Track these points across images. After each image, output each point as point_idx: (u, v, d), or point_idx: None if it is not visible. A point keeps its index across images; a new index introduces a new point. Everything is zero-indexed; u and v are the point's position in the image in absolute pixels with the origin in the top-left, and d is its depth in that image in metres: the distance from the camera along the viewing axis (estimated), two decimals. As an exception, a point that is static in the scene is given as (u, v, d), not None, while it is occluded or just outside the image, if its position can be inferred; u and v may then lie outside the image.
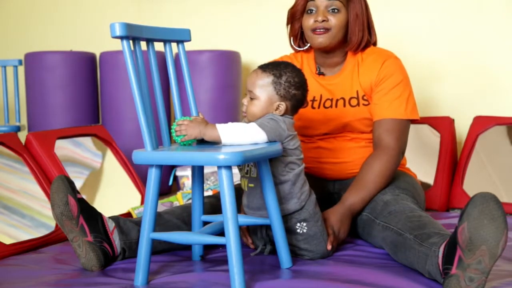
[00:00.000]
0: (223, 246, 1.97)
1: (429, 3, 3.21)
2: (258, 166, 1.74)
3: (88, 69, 3.44)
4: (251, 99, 1.81)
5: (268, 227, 1.87)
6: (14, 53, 3.93)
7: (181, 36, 1.84)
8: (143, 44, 1.73)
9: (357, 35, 2.08)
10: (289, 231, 1.84)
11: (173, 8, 3.74)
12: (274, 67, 1.81)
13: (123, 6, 3.84)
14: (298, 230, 1.85)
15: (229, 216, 1.57)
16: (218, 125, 1.70)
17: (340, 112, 2.12)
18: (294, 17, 2.14)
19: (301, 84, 1.83)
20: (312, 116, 2.14)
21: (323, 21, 2.05)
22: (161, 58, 3.16)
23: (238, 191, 2.03)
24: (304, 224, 1.84)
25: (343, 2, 2.07)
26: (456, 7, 3.17)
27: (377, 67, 2.09)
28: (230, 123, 1.73)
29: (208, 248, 1.99)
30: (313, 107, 2.15)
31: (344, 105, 2.12)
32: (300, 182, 1.83)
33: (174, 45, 1.88)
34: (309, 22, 2.08)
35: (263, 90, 1.79)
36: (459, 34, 3.17)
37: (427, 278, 1.66)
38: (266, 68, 1.82)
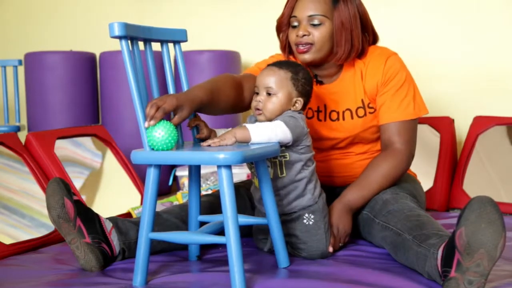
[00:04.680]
0: (223, 246, 1.97)
1: (429, 3, 3.21)
2: (256, 166, 1.73)
3: (88, 69, 3.44)
4: (269, 95, 1.81)
5: None
6: (14, 53, 3.93)
7: (177, 37, 1.84)
8: (142, 44, 1.73)
9: (343, 46, 1.99)
10: (295, 221, 1.84)
11: (173, 8, 3.73)
12: (288, 65, 1.84)
13: (123, 6, 3.84)
14: (305, 221, 1.84)
15: (229, 215, 1.57)
16: (247, 125, 1.71)
17: (349, 125, 2.07)
18: (280, 29, 2.08)
19: (311, 82, 1.88)
20: (319, 128, 2.08)
21: (304, 35, 1.98)
22: (160, 58, 3.16)
23: (237, 190, 2.03)
24: (312, 216, 1.84)
25: (327, 14, 1.97)
26: (456, 7, 3.17)
27: (381, 66, 2.04)
28: (257, 123, 1.74)
29: (204, 248, 1.99)
30: (319, 119, 2.09)
31: (352, 117, 2.06)
32: (314, 179, 1.85)
33: (172, 45, 1.88)
34: (292, 36, 2.02)
35: (283, 86, 1.80)
36: (459, 34, 3.17)
37: (427, 279, 1.66)
38: (281, 65, 1.84)
